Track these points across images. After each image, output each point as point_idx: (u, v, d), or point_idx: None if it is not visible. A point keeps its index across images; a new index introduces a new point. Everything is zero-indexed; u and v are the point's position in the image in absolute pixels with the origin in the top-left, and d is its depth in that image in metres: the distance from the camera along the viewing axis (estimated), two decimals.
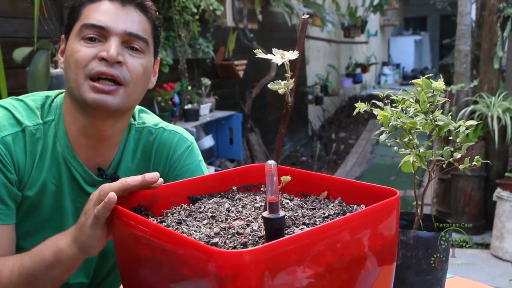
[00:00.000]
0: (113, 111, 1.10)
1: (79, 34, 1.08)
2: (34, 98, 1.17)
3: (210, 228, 0.82)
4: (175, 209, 0.94)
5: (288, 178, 0.83)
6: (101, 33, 1.08)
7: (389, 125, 0.93)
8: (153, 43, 1.17)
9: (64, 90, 1.22)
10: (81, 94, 1.07)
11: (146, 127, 1.26)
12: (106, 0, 1.10)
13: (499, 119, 4.56)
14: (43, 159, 1.13)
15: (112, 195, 0.85)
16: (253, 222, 0.84)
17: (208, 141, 4.94)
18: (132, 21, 1.11)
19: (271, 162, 0.74)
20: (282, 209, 0.79)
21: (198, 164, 1.28)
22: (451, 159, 0.90)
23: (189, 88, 4.74)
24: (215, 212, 0.90)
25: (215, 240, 0.76)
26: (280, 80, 0.79)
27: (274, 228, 0.74)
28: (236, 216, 0.88)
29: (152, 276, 0.79)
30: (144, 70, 1.13)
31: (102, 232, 0.91)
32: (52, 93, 1.21)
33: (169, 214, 0.92)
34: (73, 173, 1.16)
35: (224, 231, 0.80)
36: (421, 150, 0.92)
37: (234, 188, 1.04)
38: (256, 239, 0.77)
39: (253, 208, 0.92)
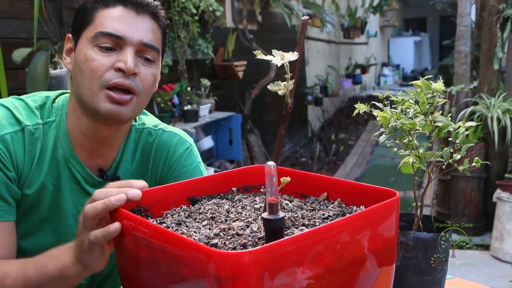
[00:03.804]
0: (125, 121, 1.12)
1: (94, 41, 1.08)
2: (34, 98, 1.18)
3: (209, 229, 0.82)
4: (175, 210, 0.94)
5: (288, 179, 0.83)
6: (117, 42, 1.08)
7: (389, 126, 0.93)
8: (161, 51, 1.18)
9: (65, 91, 1.22)
10: (94, 103, 1.08)
11: (146, 128, 1.27)
12: (120, 6, 1.10)
13: (499, 120, 4.57)
14: (42, 159, 1.13)
15: (117, 226, 0.81)
16: (252, 223, 0.84)
17: (208, 142, 4.94)
18: (147, 30, 1.11)
19: (271, 163, 0.74)
20: (281, 210, 0.78)
21: (197, 166, 1.28)
22: (450, 160, 0.90)
23: (189, 89, 4.74)
24: (215, 213, 0.90)
25: (215, 241, 0.76)
26: (279, 81, 0.79)
27: (274, 229, 0.74)
28: (236, 217, 0.88)
29: (152, 277, 0.78)
30: (154, 79, 1.15)
31: (102, 250, 0.89)
32: (53, 93, 1.21)
33: (168, 215, 0.92)
34: (74, 174, 1.16)
35: (224, 232, 0.80)
36: (421, 151, 0.92)
37: (234, 189, 1.04)
38: (256, 240, 0.77)
39: (253, 209, 0.92)
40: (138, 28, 1.10)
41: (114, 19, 1.08)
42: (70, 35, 1.16)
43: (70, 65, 1.15)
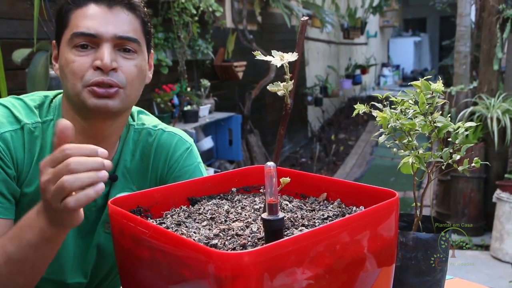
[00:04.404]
0: (113, 113, 1.11)
1: (71, 43, 1.08)
2: (33, 97, 1.18)
3: (209, 229, 0.82)
4: (175, 211, 0.94)
5: (287, 179, 0.83)
6: (92, 40, 1.08)
7: (388, 126, 0.93)
8: (145, 40, 1.17)
9: (62, 91, 1.22)
10: (81, 100, 1.08)
11: (145, 128, 1.27)
12: (92, 4, 1.09)
13: (498, 120, 4.57)
14: (42, 157, 1.13)
15: (95, 193, 0.83)
16: (252, 223, 0.84)
17: (208, 143, 4.94)
18: (121, 23, 1.10)
19: (271, 163, 0.74)
20: (281, 211, 0.79)
21: (197, 166, 1.28)
22: (450, 161, 0.90)
23: (189, 89, 4.74)
24: (215, 214, 0.90)
25: (215, 241, 0.77)
26: (279, 82, 0.79)
27: (273, 230, 0.74)
28: (236, 217, 0.88)
29: (152, 278, 0.78)
30: (139, 70, 1.14)
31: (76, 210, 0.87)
32: (51, 93, 1.22)
33: (168, 216, 0.92)
34: None
35: (224, 233, 0.80)
36: (420, 151, 0.92)
37: (234, 189, 1.04)
38: (256, 240, 0.77)
39: (253, 210, 0.92)
40: (112, 22, 1.09)
41: (87, 17, 1.08)
42: (54, 41, 1.17)
43: (58, 71, 1.16)
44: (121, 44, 1.11)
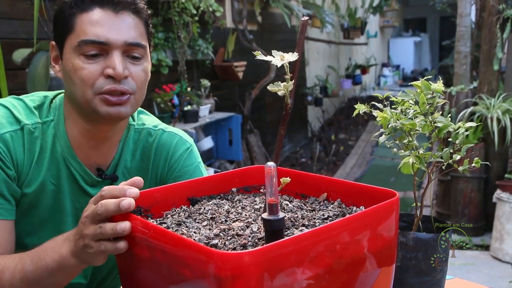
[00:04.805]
0: (125, 118, 1.13)
1: (78, 50, 1.06)
2: (32, 98, 1.18)
3: (209, 229, 0.82)
4: (175, 211, 0.94)
5: (288, 179, 0.83)
6: (102, 48, 1.06)
7: (389, 126, 0.93)
8: (148, 42, 1.16)
9: (62, 91, 1.22)
10: (92, 107, 1.08)
11: (146, 128, 1.27)
12: (97, 8, 1.07)
13: (498, 120, 4.56)
14: (42, 158, 1.13)
15: (124, 246, 0.82)
16: (252, 223, 0.84)
17: (208, 143, 4.94)
18: (129, 28, 1.09)
19: (271, 163, 0.74)
20: (281, 211, 0.79)
21: (197, 166, 1.28)
22: (450, 161, 0.90)
23: (189, 89, 4.74)
24: (215, 214, 0.90)
25: (215, 241, 0.77)
26: (279, 82, 0.80)
27: (274, 230, 0.74)
28: (236, 217, 0.88)
29: (152, 278, 0.79)
30: (146, 74, 1.14)
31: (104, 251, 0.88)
32: (51, 93, 1.21)
33: (168, 216, 0.92)
34: (72, 173, 1.16)
35: (224, 233, 0.80)
36: (421, 151, 0.92)
37: (234, 189, 1.04)
38: (256, 240, 0.77)
39: (253, 210, 0.92)
40: (120, 28, 1.08)
41: (94, 23, 1.06)
42: (53, 42, 1.14)
43: (60, 73, 1.14)
44: (130, 51, 1.09)
